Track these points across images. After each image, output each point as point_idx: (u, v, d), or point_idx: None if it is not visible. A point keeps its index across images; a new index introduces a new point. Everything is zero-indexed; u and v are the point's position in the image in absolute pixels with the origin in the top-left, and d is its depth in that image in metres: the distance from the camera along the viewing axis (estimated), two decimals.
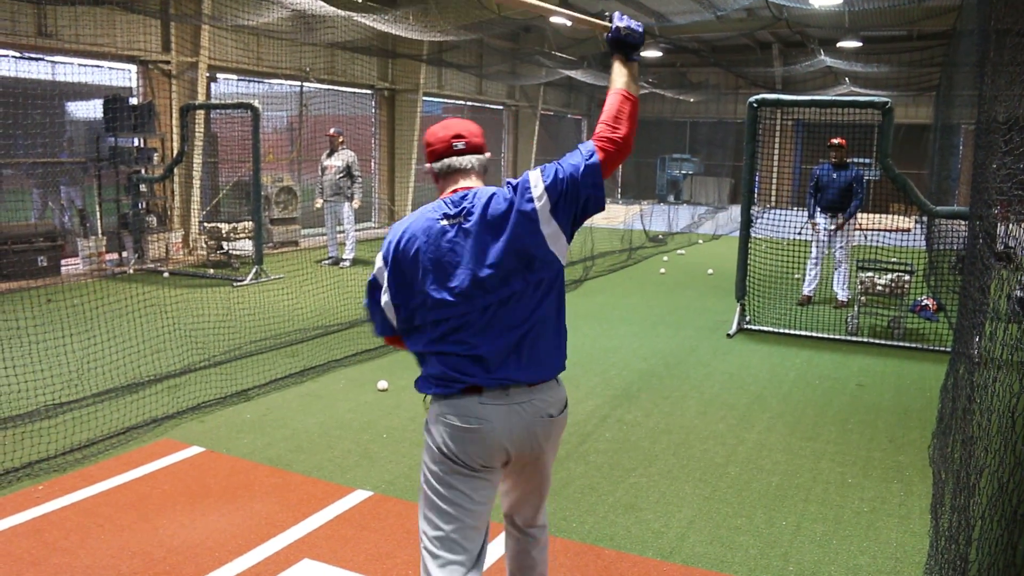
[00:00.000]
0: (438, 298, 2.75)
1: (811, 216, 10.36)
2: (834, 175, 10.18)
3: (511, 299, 2.75)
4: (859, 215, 10.69)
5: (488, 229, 2.75)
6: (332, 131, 12.98)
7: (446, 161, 2.89)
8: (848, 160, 10.28)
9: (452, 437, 2.77)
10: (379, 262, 2.87)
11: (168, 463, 5.22)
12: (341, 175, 12.74)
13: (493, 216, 2.75)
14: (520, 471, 2.94)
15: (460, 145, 2.88)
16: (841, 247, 10.24)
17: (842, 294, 10.43)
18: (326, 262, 13.08)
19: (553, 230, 2.76)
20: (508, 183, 2.81)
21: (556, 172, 2.78)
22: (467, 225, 2.76)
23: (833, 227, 10.12)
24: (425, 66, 18.94)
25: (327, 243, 13.38)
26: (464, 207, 2.79)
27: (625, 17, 3.01)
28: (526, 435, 2.81)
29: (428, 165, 2.94)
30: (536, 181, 2.78)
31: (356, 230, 13.33)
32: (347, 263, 12.97)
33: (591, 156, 2.80)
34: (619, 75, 2.96)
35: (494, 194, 2.79)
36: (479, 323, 2.75)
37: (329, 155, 12.89)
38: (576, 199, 2.78)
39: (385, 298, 2.85)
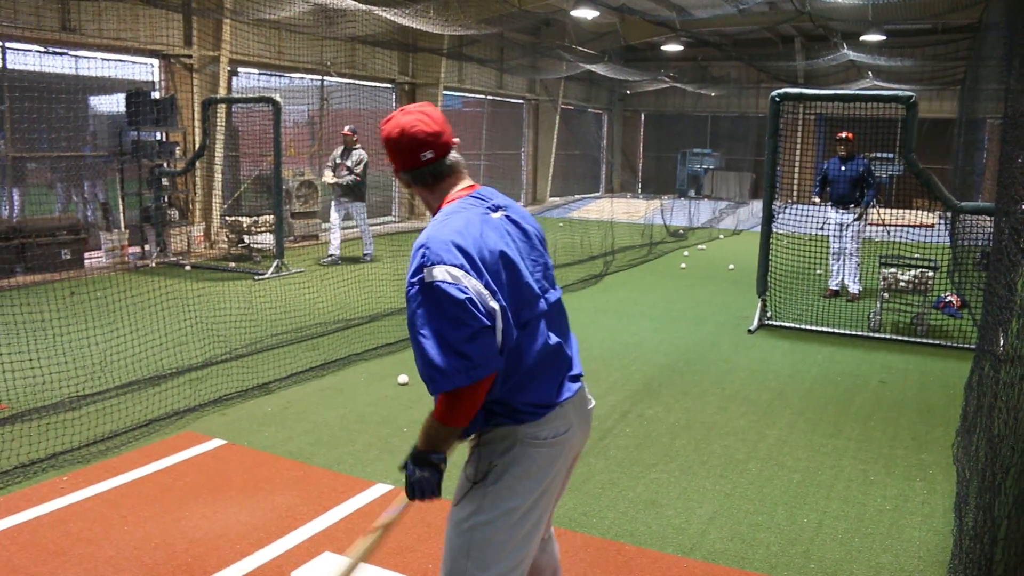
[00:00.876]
0: (535, 291, 2.56)
1: (816, 195, 10.60)
2: (842, 168, 10.26)
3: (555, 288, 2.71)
4: (881, 211, 10.64)
5: (522, 221, 2.69)
6: (347, 129, 12.79)
7: (454, 157, 2.62)
8: (856, 153, 10.36)
9: (546, 458, 2.55)
10: (466, 279, 2.35)
11: (190, 455, 5.25)
12: (354, 175, 12.54)
13: (519, 212, 2.71)
14: (567, 472, 2.78)
15: (456, 139, 2.66)
16: (852, 238, 10.27)
17: (854, 287, 10.47)
18: (326, 260, 12.74)
19: None
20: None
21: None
22: (513, 216, 2.65)
23: (851, 218, 10.12)
24: (445, 60, 18.92)
25: (330, 239, 12.96)
26: (495, 201, 2.64)
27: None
28: (586, 429, 2.73)
29: (427, 157, 2.56)
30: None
31: (373, 224, 13.17)
32: (368, 257, 12.94)
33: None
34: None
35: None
36: (553, 316, 2.65)
37: (343, 154, 12.67)
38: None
39: (493, 304, 2.37)
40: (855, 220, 10.12)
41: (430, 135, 2.55)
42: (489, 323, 2.35)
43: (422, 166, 2.58)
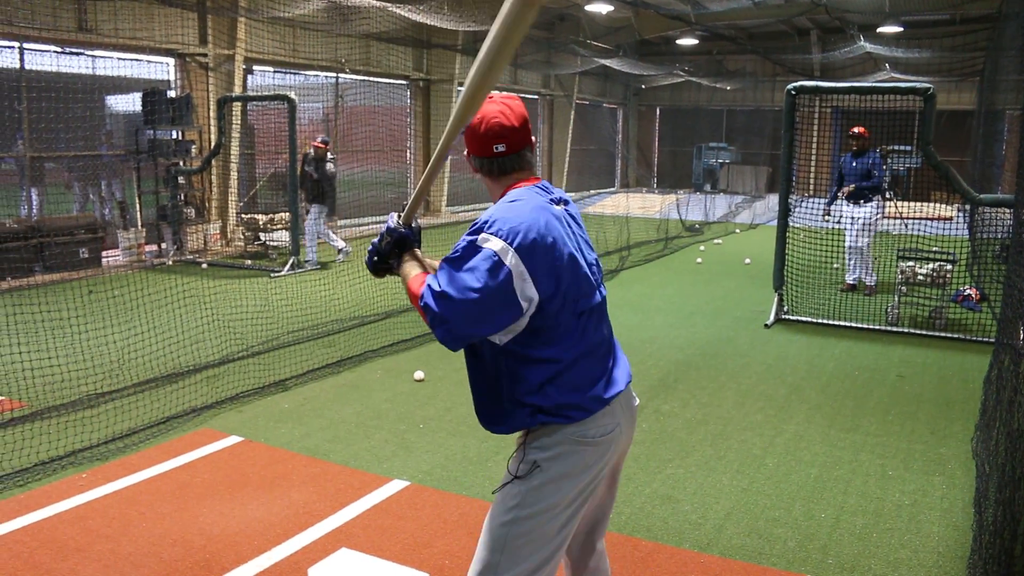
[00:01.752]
0: (592, 283, 2.61)
1: (828, 203, 10.53)
2: (853, 163, 10.23)
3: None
4: (897, 204, 10.57)
5: (578, 216, 2.73)
6: (319, 140, 12.31)
7: (525, 156, 2.63)
8: (868, 148, 10.32)
9: (592, 456, 2.55)
10: (511, 258, 2.38)
11: (207, 452, 5.28)
12: (317, 184, 12.22)
13: (575, 209, 2.74)
14: (612, 473, 2.77)
15: (534, 138, 2.67)
16: (863, 232, 10.23)
17: (868, 279, 10.43)
18: (339, 258, 12.66)
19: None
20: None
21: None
22: (571, 211, 2.70)
23: (861, 212, 10.13)
24: (460, 56, 18.92)
25: (329, 243, 12.78)
26: (557, 195, 2.67)
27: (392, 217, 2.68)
28: (632, 427, 2.72)
29: (499, 150, 2.58)
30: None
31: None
32: (308, 265, 12.43)
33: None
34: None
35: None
36: (604, 311, 2.70)
37: (312, 162, 12.19)
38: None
39: (530, 291, 2.41)
40: (872, 207, 10.06)
41: (506, 129, 2.57)
42: (492, 306, 2.38)
43: (492, 156, 2.61)
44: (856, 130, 10.23)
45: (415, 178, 19.24)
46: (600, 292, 2.68)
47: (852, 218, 10.29)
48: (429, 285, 2.42)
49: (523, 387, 2.51)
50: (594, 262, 2.70)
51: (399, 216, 2.67)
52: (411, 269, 2.59)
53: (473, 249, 2.41)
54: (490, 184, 2.69)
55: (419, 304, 2.43)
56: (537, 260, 2.41)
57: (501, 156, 2.60)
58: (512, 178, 2.64)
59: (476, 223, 2.47)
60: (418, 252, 2.67)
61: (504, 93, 2.68)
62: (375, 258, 2.66)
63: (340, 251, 12.76)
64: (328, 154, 12.42)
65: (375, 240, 2.65)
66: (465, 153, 2.68)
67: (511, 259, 2.37)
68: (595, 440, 2.54)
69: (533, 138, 2.67)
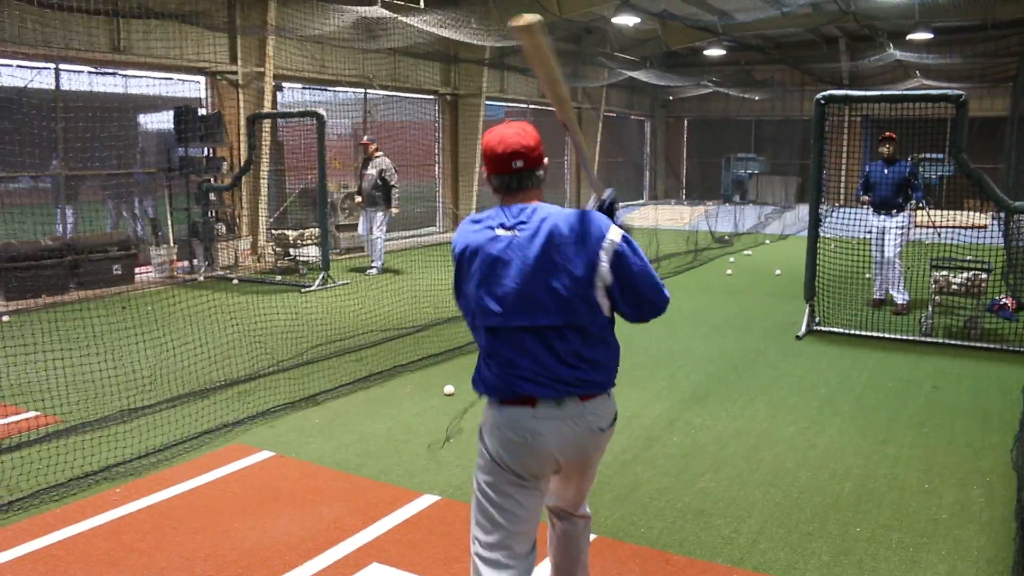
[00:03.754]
0: (485, 305, 2.82)
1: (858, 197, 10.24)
2: (885, 171, 9.81)
3: (557, 314, 2.79)
4: (930, 212, 10.37)
5: (541, 246, 2.78)
6: (365, 139, 13.01)
7: (505, 179, 2.87)
8: (898, 156, 9.93)
9: (506, 448, 2.84)
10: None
11: (239, 467, 5.31)
12: (375, 183, 12.68)
13: (552, 235, 2.77)
14: (567, 476, 3.03)
15: (519, 164, 2.83)
16: (892, 244, 9.75)
17: (899, 297, 9.91)
18: (371, 271, 12.93)
19: (601, 289, 2.80)
20: (582, 213, 2.82)
21: (632, 259, 2.81)
22: (520, 238, 2.80)
23: (893, 223, 9.73)
24: (487, 70, 18.99)
25: (366, 252, 13.15)
26: (520, 220, 2.82)
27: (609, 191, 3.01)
28: (576, 448, 2.87)
29: (517, 165, 2.85)
30: (615, 237, 2.80)
31: (399, 237, 13.27)
32: (374, 270, 12.96)
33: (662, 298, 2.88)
34: None
35: (554, 215, 2.80)
36: (526, 337, 2.84)
37: (364, 165, 12.85)
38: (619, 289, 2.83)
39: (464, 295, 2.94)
40: (904, 217, 9.73)
41: (489, 155, 2.87)
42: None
43: (510, 173, 2.85)
44: (886, 134, 9.90)
45: (443, 191, 19.32)
46: (502, 321, 2.82)
47: (881, 229, 9.89)
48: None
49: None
50: (512, 291, 2.80)
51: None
52: None
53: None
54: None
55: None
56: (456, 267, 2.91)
57: (519, 172, 2.85)
58: (524, 195, 2.90)
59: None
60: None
61: (519, 121, 2.96)
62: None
63: (374, 265, 12.90)
64: (378, 152, 12.73)
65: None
66: (486, 176, 2.96)
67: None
68: (500, 429, 2.85)
69: (546, 160, 2.92)
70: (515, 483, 2.85)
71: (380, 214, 12.86)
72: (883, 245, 9.91)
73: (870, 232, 10.05)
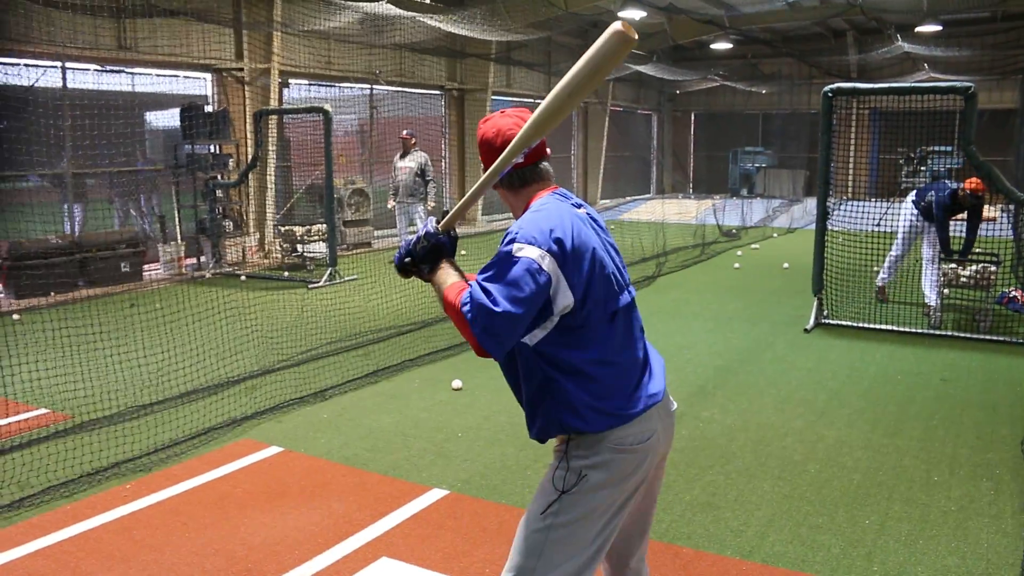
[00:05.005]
0: (612, 287, 2.58)
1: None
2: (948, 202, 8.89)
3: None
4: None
5: (600, 219, 2.75)
6: (405, 133, 13.20)
7: (544, 165, 2.69)
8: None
9: (631, 464, 2.53)
10: (549, 263, 2.41)
11: (248, 463, 5.32)
12: (415, 177, 12.92)
13: (595, 212, 2.75)
14: (653, 479, 2.74)
15: (548, 150, 2.73)
16: (931, 244, 9.25)
17: (931, 298, 9.21)
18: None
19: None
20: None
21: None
22: (592, 214, 2.72)
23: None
24: (493, 65, 18.99)
25: (400, 244, 13.32)
26: (576, 200, 2.70)
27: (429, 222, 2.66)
28: (670, 433, 2.70)
29: (518, 161, 2.60)
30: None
31: None
32: None
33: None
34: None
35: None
36: (635, 313, 2.70)
37: (402, 157, 13.07)
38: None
39: (566, 297, 2.45)
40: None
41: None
42: (532, 313, 2.40)
43: (511, 169, 2.64)
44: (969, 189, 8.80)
45: (450, 187, 19.32)
46: (629, 292, 2.68)
47: (921, 229, 9.32)
48: (474, 298, 2.39)
49: (556, 390, 2.51)
50: (621, 264, 2.71)
51: (438, 222, 2.67)
52: (447, 277, 2.54)
53: (510, 260, 2.41)
54: (511, 197, 2.73)
55: (459, 314, 2.41)
56: (570, 263, 2.44)
57: (520, 168, 2.64)
58: (532, 189, 2.68)
59: (508, 234, 2.48)
60: (453, 261, 2.65)
61: (516, 107, 2.76)
62: (407, 259, 2.63)
63: None
64: (416, 146, 12.95)
65: (409, 239, 2.64)
66: (483, 168, 2.70)
67: (548, 265, 2.40)
68: (633, 448, 2.52)
69: (548, 149, 2.72)
70: (627, 506, 2.59)
71: (421, 207, 13.04)
72: (922, 246, 9.38)
73: (901, 228, 9.58)
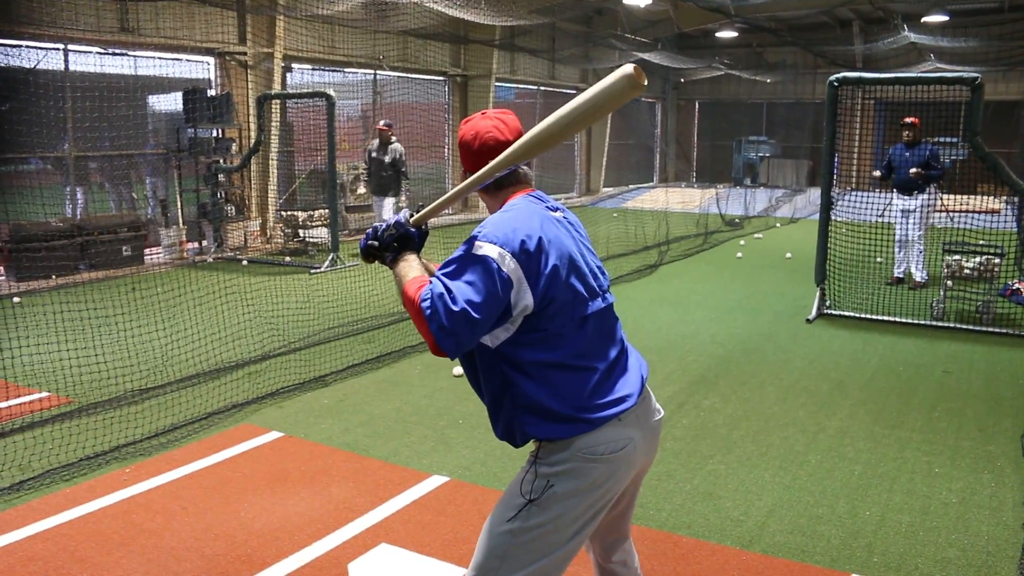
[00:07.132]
0: (582, 291, 2.51)
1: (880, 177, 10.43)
2: (907, 154, 10.04)
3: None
4: (944, 198, 10.39)
5: (577, 223, 2.70)
6: (382, 124, 12.62)
7: (522, 170, 2.66)
8: (921, 139, 10.12)
9: (602, 474, 2.46)
10: (506, 259, 2.35)
11: (248, 448, 5.32)
12: (388, 171, 12.36)
13: (573, 217, 2.71)
14: (632, 487, 2.72)
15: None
16: (916, 225, 10.08)
17: (919, 274, 10.27)
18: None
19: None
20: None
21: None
22: (569, 217, 2.67)
23: (914, 204, 10.04)
24: (497, 52, 18.91)
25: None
26: (552, 203, 2.66)
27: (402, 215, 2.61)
28: (652, 444, 2.64)
29: (498, 164, 2.52)
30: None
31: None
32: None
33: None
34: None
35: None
36: (608, 319, 2.61)
37: (379, 149, 12.43)
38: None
39: (525, 297, 2.38)
40: (925, 198, 9.95)
41: (501, 144, 2.58)
42: (492, 313, 2.34)
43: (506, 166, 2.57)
44: (908, 120, 10.06)
45: (452, 174, 19.27)
46: (604, 299, 2.60)
47: (904, 210, 10.16)
48: (433, 294, 2.32)
49: (517, 394, 2.47)
50: (597, 268, 2.65)
51: (411, 215, 2.63)
52: (409, 270, 2.49)
53: (471, 257, 2.36)
54: (488, 199, 2.69)
55: (417, 309, 2.35)
56: (533, 265, 2.38)
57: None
58: (508, 191, 2.64)
59: (472, 233, 2.44)
60: (418, 255, 2.61)
61: (498, 109, 2.72)
62: (371, 243, 2.58)
63: None
64: (393, 137, 12.49)
65: (378, 225, 2.59)
66: (463, 171, 2.69)
67: (509, 264, 2.34)
68: (604, 457, 2.44)
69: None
70: (602, 513, 2.52)
71: (390, 200, 12.61)
72: (908, 226, 10.20)
73: (893, 215, 10.38)
